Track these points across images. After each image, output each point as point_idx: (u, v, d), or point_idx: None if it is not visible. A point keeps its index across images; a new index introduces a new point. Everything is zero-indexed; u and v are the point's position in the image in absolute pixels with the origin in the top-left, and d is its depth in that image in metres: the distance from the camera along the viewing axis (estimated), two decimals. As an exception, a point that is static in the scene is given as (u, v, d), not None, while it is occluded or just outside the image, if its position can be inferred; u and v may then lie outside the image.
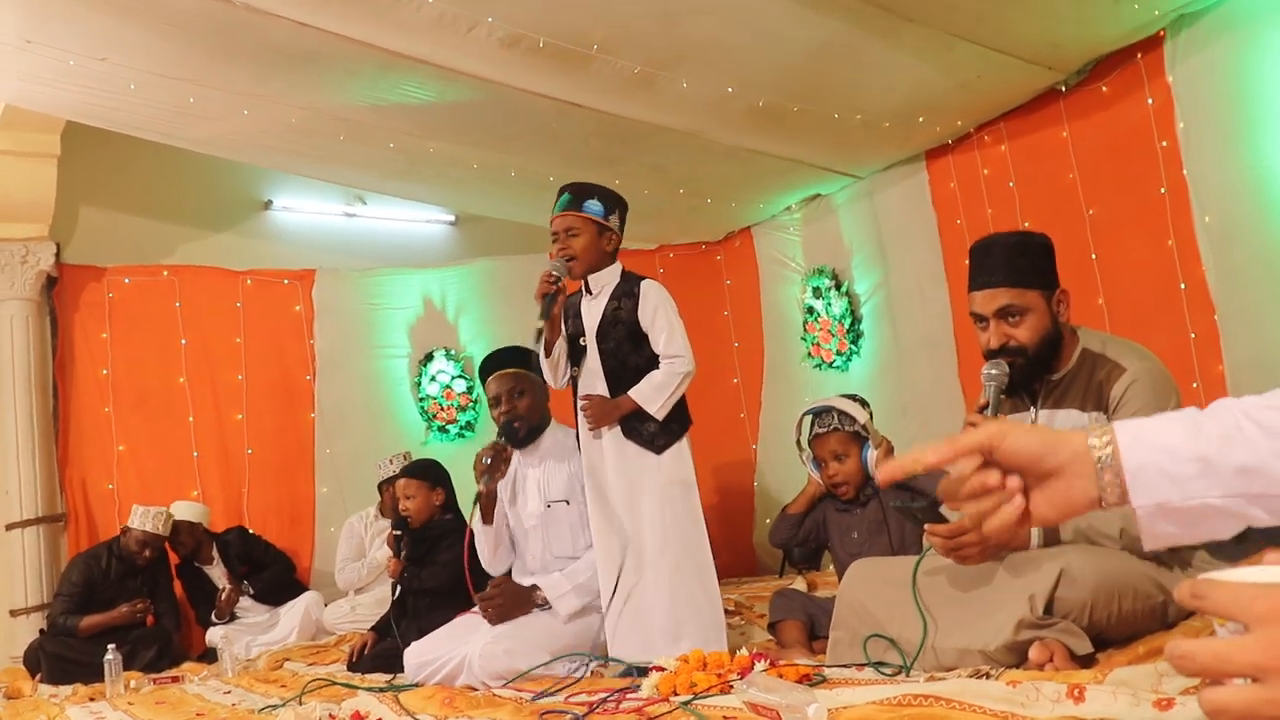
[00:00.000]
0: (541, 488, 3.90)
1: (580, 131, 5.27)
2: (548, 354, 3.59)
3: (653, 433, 3.53)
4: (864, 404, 3.64)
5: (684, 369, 3.51)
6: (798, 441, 3.71)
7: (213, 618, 5.80)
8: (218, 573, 5.97)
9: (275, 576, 6.05)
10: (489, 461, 3.63)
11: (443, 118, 5.18)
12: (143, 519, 5.48)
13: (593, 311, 3.61)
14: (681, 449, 3.57)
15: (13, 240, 6.06)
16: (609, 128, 5.21)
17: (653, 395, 3.49)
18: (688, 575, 3.47)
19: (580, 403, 3.59)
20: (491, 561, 3.89)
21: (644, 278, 3.66)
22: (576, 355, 3.64)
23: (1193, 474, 1.00)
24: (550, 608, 3.68)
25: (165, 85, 4.81)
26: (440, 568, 4.37)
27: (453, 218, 7.98)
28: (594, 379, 3.60)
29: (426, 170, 6.02)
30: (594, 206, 3.57)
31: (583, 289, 3.66)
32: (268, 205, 7.39)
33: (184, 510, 5.92)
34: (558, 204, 3.62)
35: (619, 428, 3.54)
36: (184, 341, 6.56)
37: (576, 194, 3.60)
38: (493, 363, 4.03)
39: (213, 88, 4.85)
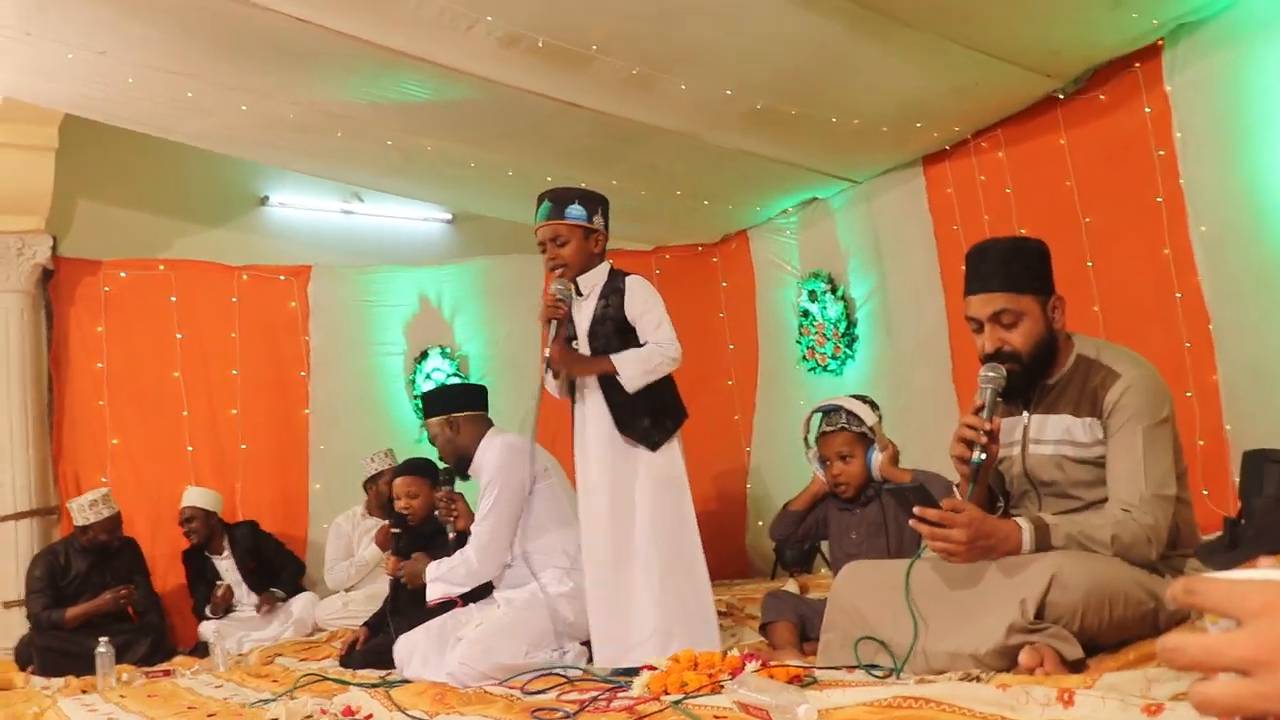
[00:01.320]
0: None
1: (578, 131, 5.28)
2: (555, 375, 3.60)
3: (647, 429, 3.53)
4: (874, 406, 3.64)
5: (671, 353, 3.49)
6: (805, 439, 3.71)
7: (207, 612, 5.79)
8: (226, 564, 5.96)
9: (291, 578, 6.05)
10: (442, 512, 4.23)
11: (441, 116, 5.19)
12: (91, 511, 5.44)
13: (584, 313, 3.62)
14: (674, 447, 3.58)
15: (9, 233, 6.05)
16: (606, 128, 5.22)
17: (633, 365, 3.47)
18: (678, 575, 3.49)
19: (549, 350, 3.50)
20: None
21: (630, 274, 3.66)
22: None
23: None
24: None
25: (163, 79, 4.81)
26: None
27: (449, 216, 7.97)
28: (587, 378, 3.60)
29: (424, 168, 6.02)
30: (576, 211, 3.57)
31: (573, 292, 3.63)
32: (264, 201, 7.39)
33: (197, 497, 5.93)
34: (539, 213, 3.61)
35: (613, 422, 3.54)
36: (179, 336, 6.56)
37: (557, 200, 3.59)
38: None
39: (210, 82, 4.85)
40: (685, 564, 3.52)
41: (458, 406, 4.16)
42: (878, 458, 3.49)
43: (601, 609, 3.53)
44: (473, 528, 3.96)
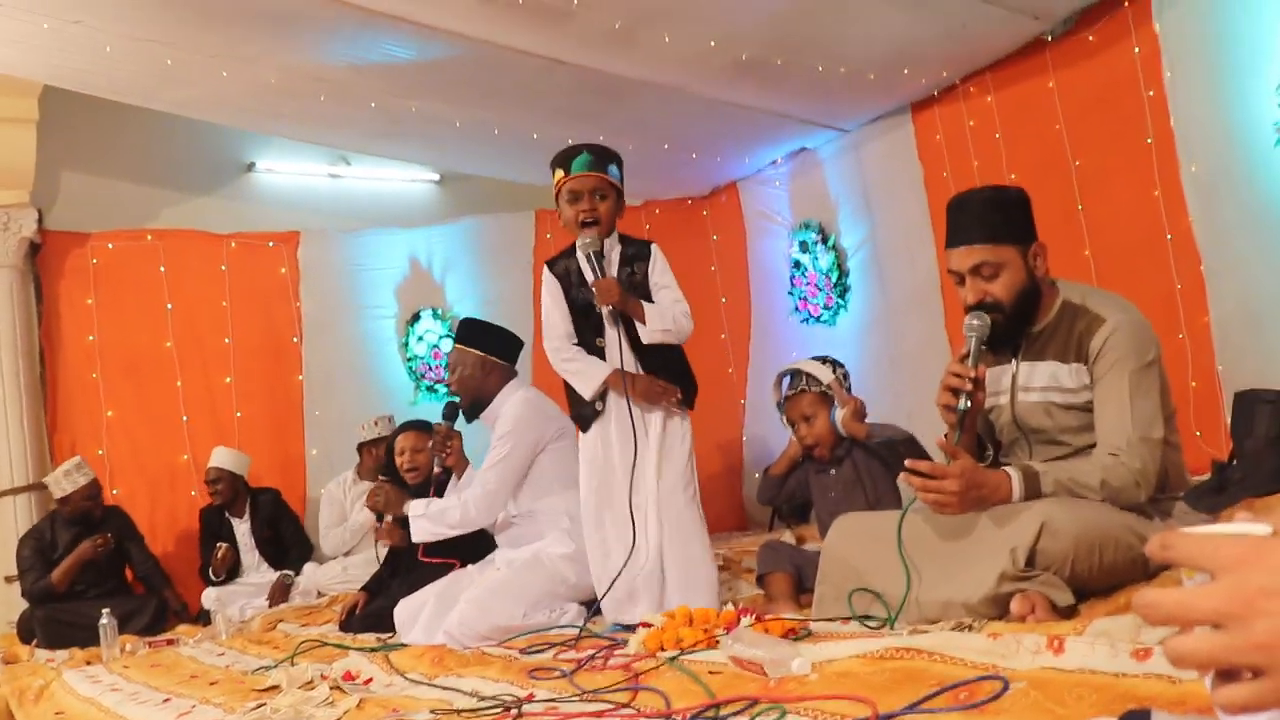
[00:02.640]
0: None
1: (563, 88, 5.22)
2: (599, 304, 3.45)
3: (684, 393, 3.52)
4: (835, 364, 3.66)
5: (687, 328, 3.46)
6: (777, 404, 3.73)
7: (210, 574, 5.80)
8: (244, 528, 5.97)
9: (299, 558, 6.03)
10: (436, 445, 3.97)
11: (423, 76, 5.13)
12: (67, 481, 5.42)
13: None
14: (688, 415, 3.56)
15: (-6, 207, 6.02)
16: (592, 83, 5.17)
17: (659, 320, 3.41)
18: (686, 540, 3.44)
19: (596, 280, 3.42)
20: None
21: (650, 241, 3.60)
22: (598, 326, 3.49)
23: None
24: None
25: (142, 48, 4.75)
26: None
27: (437, 177, 7.93)
28: (615, 350, 3.45)
29: (409, 129, 5.97)
30: (616, 172, 3.47)
31: (591, 256, 3.45)
32: (251, 167, 7.33)
33: (226, 458, 5.93)
34: (578, 163, 3.43)
35: (652, 390, 3.45)
36: (170, 306, 6.53)
37: (599, 156, 3.44)
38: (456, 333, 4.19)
39: (190, 50, 4.79)
40: (698, 527, 3.48)
41: (496, 350, 4.02)
42: (840, 414, 3.52)
43: (610, 567, 3.49)
44: (479, 474, 3.89)
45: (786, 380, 3.67)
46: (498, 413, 3.96)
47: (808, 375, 3.59)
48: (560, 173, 3.48)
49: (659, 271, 3.49)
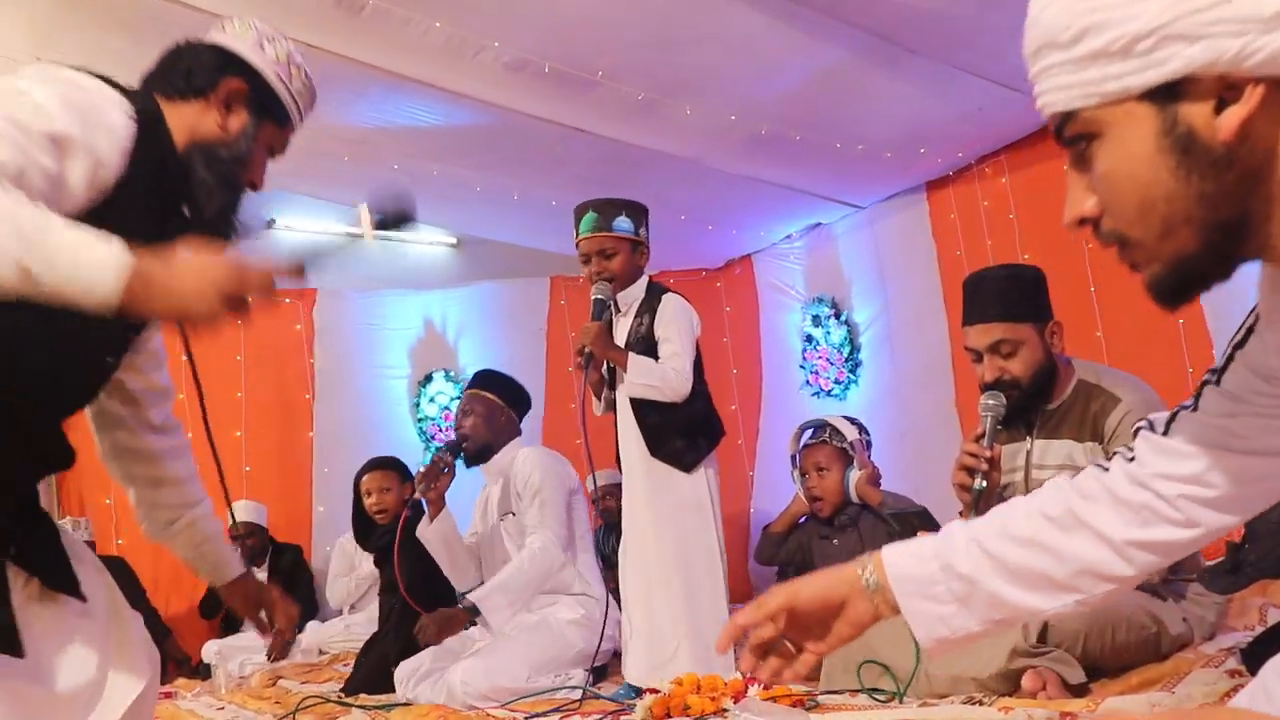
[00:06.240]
0: (491, 504, 4.03)
1: (583, 157, 5.30)
2: (588, 360, 3.51)
3: (680, 449, 3.45)
4: (862, 428, 3.67)
5: (676, 385, 3.36)
6: (792, 456, 3.74)
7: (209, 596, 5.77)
8: (260, 577, 5.91)
9: (305, 616, 5.98)
10: (424, 477, 3.82)
11: (447, 140, 5.22)
12: None
13: (622, 330, 3.57)
14: (704, 472, 3.49)
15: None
16: (612, 153, 5.25)
17: (642, 372, 3.39)
18: (699, 602, 3.44)
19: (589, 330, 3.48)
20: (454, 576, 3.96)
21: (668, 290, 3.60)
22: (611, 377, 3.58)
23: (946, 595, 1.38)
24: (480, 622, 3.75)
25: (171, 103, 4.84)
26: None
27: (454, 240, 8.00)
28: (625, 398, 3.53)
29: (430, 191, 6.04)
30: (623, 224, 3.52)
31: (613, 307, 3.59)
32: (270, 224, 7.41)
33: (252, 512, 5.94)
34: (584, 224, 3.53)
35: (645, 446, 3.47)
36: (184, 358, 6.54)
37: (603, 212, 3.52)
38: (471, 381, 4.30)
39: (219, 106, 4.88)
40: (708, 592, 3.48)
41: (510, 400, 4.11)
42: (855, 475, 3.52)
43: (630, 628, 3.50)
44: (528, 540, 3.79)
45: (808, 432, 3.70)
46: (505, 465, 3.96)
47: (832, 428, 3.61)
48: (576, 232, 3.60)
49: (663, 324, 3.47)
